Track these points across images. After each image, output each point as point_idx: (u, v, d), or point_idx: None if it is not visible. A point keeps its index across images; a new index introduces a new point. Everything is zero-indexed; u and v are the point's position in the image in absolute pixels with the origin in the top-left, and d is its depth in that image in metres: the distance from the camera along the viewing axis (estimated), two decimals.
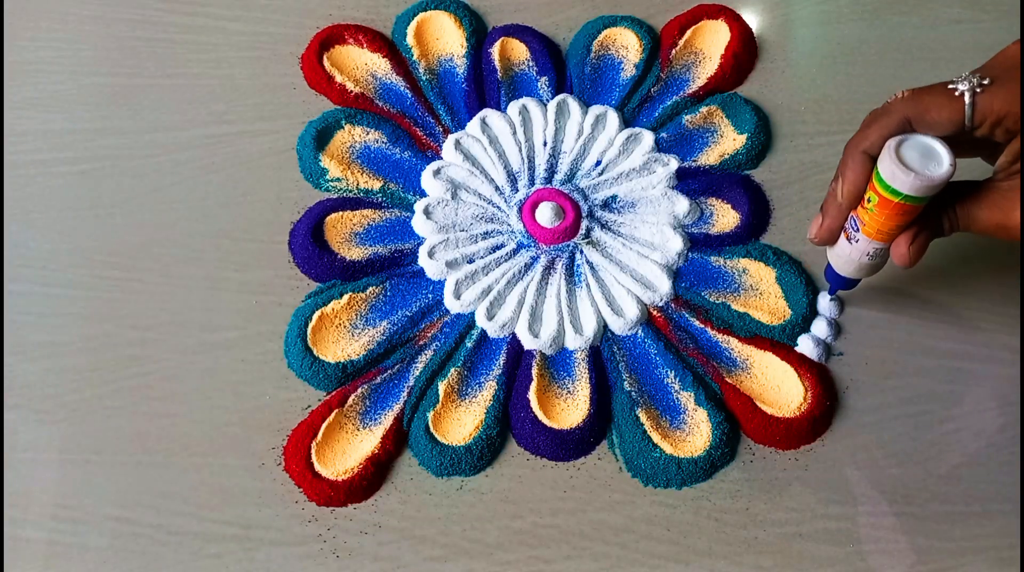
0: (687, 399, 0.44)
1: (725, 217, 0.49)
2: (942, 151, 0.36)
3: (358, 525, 0.41)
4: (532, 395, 0.43)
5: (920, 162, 0.36)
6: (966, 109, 0.35)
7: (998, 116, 0.35)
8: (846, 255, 0.41)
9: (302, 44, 0.55)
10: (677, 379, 0.44)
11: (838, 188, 0.39)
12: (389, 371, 0.45)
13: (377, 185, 0.50)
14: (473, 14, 0.56)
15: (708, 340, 0.46)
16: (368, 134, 0.52)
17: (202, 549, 0.40)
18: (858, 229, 0.39)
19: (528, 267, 0.47)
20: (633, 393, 0.44)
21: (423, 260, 0.47)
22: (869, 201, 0.38)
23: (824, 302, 0.46)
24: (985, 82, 0.35)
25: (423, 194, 0.50)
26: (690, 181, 0.50)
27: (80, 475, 0.42)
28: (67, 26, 0.56)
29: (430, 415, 0.43)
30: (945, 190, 0.37)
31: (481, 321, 0.46)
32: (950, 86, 0.36)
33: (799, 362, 0.45)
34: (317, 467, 0.42)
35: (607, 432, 0.43)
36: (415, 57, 0.55)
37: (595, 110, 0.52)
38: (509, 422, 0.43)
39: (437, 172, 0.50)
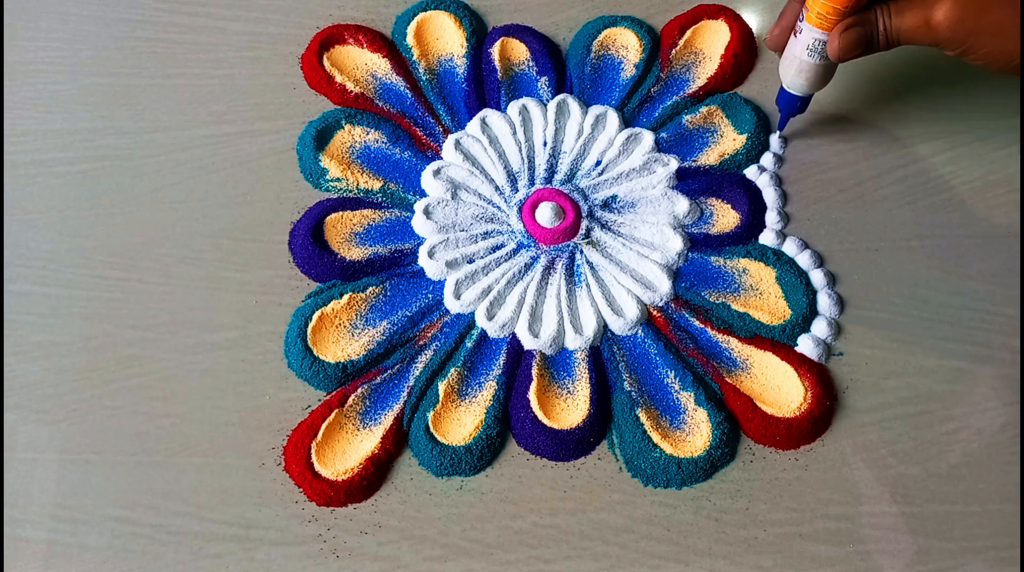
0: (687, 399, 0.44)
1: (725, 217, 0.49)
2: None
3: (358, 525, 0.41)
4: (532, 395, 0.43)
5: None
6: None
7: None
8: (791, 55, 0.45)
9: (302, 44, 0.55)
10: (677, 379, 0.44)
11: None
12: (389, 371, 0.45)
13: (377, 185, 0.50)
14: (473, 14, 0.56)
15: (708, 340, 0.46)
16: (368, 134, 0.52)
17: (202, 549, 0.40)
18: (803, 18, 0.43)
19: (528, 267, 0.47)
20: (633, 393, 0.44)
21: (423, 260, 0.47)
22: None
23: (775, 140, 0.50)
24: None
25: (423, 194, 0.50)
26: (690, 181, 0.50)
27: (80, 475, 0.42)
28: (67, 26, 0.56)
29: (430, 415, 0.43)
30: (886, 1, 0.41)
31: (481, 321, 0.46)
32: None
33: (799, 362, 0.45)
34: (317, 467, 0.42)
35: (607, 432, 0.43)
36: (415, 57, 0.55)
37: (595, 110, 0.52)
38: (509, 422, 0.43)
39: (437, 172, 0.50)
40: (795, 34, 0.44)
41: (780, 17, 0.46)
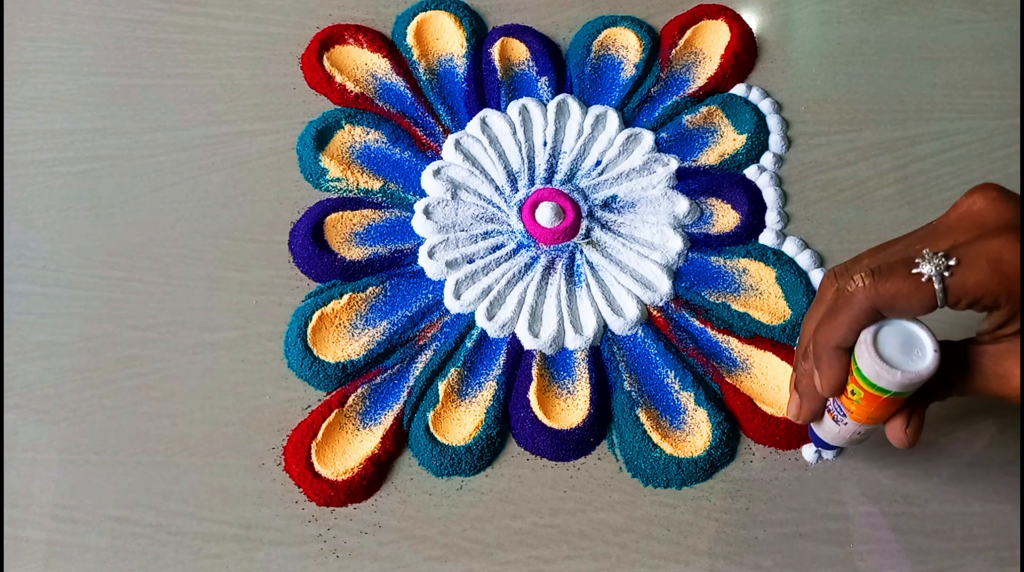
0: (687, 399, 0.44)
1: (725, 217, 0.49)
2: (924, 337, 0.33)
3: (358, 525, 0.41)
4: (532, 395, 0.43)
5: (901, 352, 0.33)
6: (937, 294, 0.32)
7: (974, 297, 0.32)
8: (835, 432, 0.38)
9: (302, 44, 0.55)
10: (677, 379, 0.44)
11: (816, 381, 0.35)
12: (389, 371, 0.45)
13: (377, 185, 0.50)
14: (473, 14, 0.56)
15: (708, 340, 0.46)
16: (368, 134, 0.52)
17: (202, 549, 0.40)
18: (845, 415, 0.36)
19: (528, 267, 0.47)
20: (633, 393, 0.44)
21: (423, 260, 0.47)
22: (854, 393, 0.34)
23: (810, 453, 0.43)
24: (952, 263, 0.32)
25: (423, 194, 0.50)
26: (690, 181, 0.50)
27: (80, 475, 0.42)
28: (67, 26, 0.56)
29: (430, 415, 0.43)
30: None
31: (481, 321, 0.46)
32: (914, 270, 0.32)
33: None
34: (317, 467, 0.42)
35: (607, 432, 0.43)
36: (415, 57, 0.55)
37: (595, 110, 0.52)
38: (509, 422, 0.43)
39: (437, 172, 0.50)
40: (835, 421, 0.37)
41: (802, 397, 0.37)
